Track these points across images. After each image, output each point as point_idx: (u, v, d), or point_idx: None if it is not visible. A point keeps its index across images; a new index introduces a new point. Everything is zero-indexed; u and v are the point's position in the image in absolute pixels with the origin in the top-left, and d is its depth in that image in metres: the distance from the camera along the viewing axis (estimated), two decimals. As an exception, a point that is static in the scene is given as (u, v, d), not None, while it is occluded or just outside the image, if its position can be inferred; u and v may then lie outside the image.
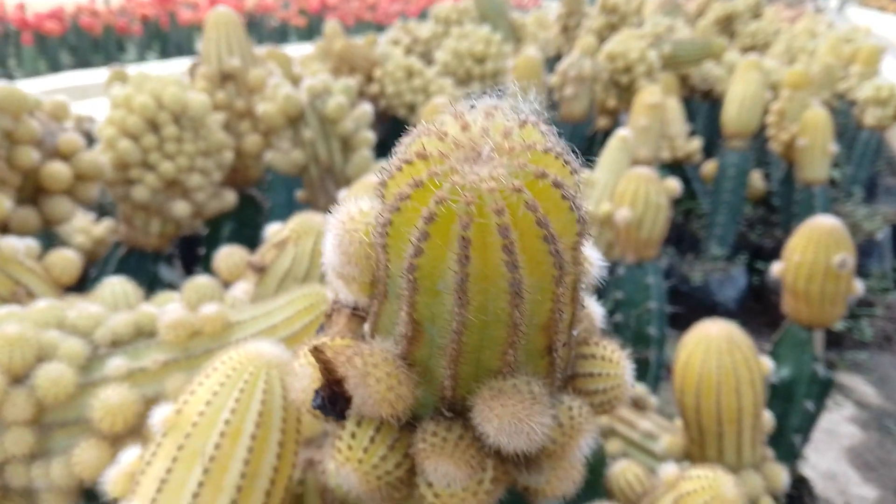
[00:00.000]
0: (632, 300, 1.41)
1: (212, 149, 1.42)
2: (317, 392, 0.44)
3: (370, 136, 1.53)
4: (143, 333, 0.76)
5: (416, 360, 0.41)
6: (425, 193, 0.31)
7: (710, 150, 2.44)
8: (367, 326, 0.45)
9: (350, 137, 1.51)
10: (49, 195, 1.19)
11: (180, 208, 1.37)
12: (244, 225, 1.67)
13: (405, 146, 0.34)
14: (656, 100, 1.90)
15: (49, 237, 1.88)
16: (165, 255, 1.88)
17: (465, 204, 0.30)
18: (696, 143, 2.26)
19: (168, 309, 0.76)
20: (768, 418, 1.01)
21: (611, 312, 1.46)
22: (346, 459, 0.46)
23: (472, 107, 0.33)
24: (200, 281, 0.81)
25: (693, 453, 1.02)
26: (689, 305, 2.01)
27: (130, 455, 0.57)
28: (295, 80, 1.90)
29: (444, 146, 0.32)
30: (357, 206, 0.39)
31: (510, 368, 0.40)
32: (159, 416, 0.54)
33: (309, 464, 0.70)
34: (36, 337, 0.71)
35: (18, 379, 0.69)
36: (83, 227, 1.86)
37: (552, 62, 2.86)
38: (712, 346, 0.94)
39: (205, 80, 1.54)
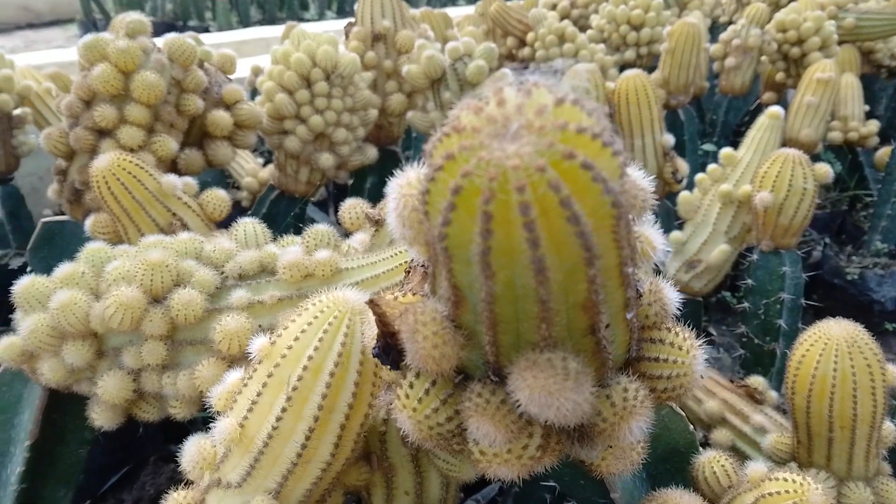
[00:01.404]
0: (763, 289, 1.33)
1: (357, 106, 1.50)
2: (377, 341, 0.48)
3: (507, 100, 1.54)
4: (266, 271, 0.85)
5: (463, 323, 0.44)
6: (455, 166, 0.33)
7: (890, 135, 2.19)
8: (426, 286, 0.48)
9: (487, 101, 1.53)
10: (212, 140, 1.33)
11: (325, 159, 1.47)
12: (385, 179, 1.75)
13: (452, 117, 0.36)
14: (828, 76, 1.74)
15: (223, 178, 2.09)
16: (318, 201, 2.03)
17: (489, 179, 0.32)
18: (873, 126, 2.03)
19: (288, 251, 0.84)
20: (892, 431, 0.92)
21: (740, 299, 1.39)
22: (402, 407, 0.50)
23: (521, 82, 0.35)
24: (319, 228, 0.88)
25: (800, 456, 0.96)
26: (840, 301, 1.84)
27: (234, 376, 0.65)
28: (445, 40, 1.94)
29: (479, 120, 0.33)
30: (416, 171, 0.42)
31: (546, 343, 0.41)
32: (257, 345, 0.61)
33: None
34: (175, 264, 0.81)
35: (157, 299, 0.80)
36: (252, 170, 2.05)
37: (722, 29, 2.67)
38: (831, 346, 0.88)
39: (357, 40, 1.62)
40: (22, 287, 0.81)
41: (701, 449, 0.87)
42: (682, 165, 1.65)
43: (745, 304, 1.39)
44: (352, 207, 1.00)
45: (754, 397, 1.25)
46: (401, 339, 0.45)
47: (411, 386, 0.50)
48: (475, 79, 1.50)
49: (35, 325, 0.78)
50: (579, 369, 0.42)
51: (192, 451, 0.64)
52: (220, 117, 1.30)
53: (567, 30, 2.27)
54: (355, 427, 0.62)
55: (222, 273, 0.84)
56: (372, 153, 1.59)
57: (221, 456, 0.63)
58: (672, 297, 0.54)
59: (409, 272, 0.54)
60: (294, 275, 0.81)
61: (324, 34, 1.47)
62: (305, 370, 0.58)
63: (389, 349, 0.47)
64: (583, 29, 2.47)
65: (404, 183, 0.42)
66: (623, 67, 2.52)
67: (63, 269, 0.81)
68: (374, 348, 0.48)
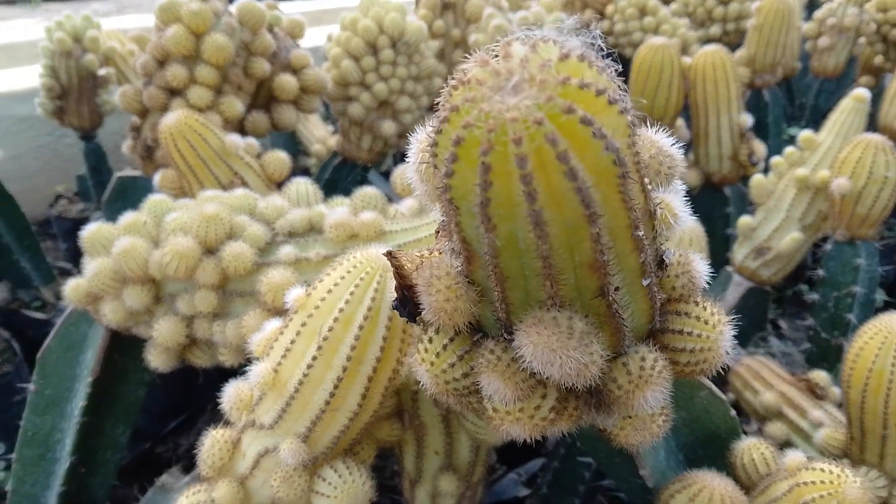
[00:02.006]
0: (834, 280, 1.26)
1: (422, 74, 1.51)
2: (395, 293, 0.49)
3: (575, 73, 1.51)
4: (314, 229, 0.87)
5: (476, 279, 0.44)
6: (459, 118, 0.33)
7: None
8: (445, 243, 0.48)
9: (554, 73, 1.50)
10: (278, 103, 1.36)
11: (387, 127, 1.49)
12: (447, 150, 1.75)
13: (462, 70, 0.36)
14: (928, 57, 1.62)
15: (294, 144, 2.14)
16: (384, 170, 2.05)
17: (488, 131, 0.32)
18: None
19: (335, 211, 0.86)
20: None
21: (809, 288, 1.33)
22: (421, 360, 0.51)
23: (529, 37, 0.34)
24: (368, 191, 0.90)
25: (852, 452, 0.92)
26: (924, 301, 1.73)
27: (273, 325, 0.68)
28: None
29: (484, 73, 0.33)
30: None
31: (553, 302, 0.41)
32: (293, 295, 0.64)
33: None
34: (229, 218, 0.85)
35: (211, 251, 0.84)
36: (321, 137, 2.10)
37: (818, 7, 2.52)
38: (891, 341, 0.83)
39: (426, 8, 1.62)
40: (89, 233, 0.86)
41: (743, 435, 0.85)
42: (760, 148, 1.58)
43: (815, 296, 1.33)
44: (402, 173, 1.01)
45: (815, 392, 1.20)
46: (417, 292, 0.46)
47: (430, 341, 0.51)
48: (543, 50, 1.47)
49: (99, 269, 0.84)
50: (585, 329, 0.41)
51: (232, 393, 0.67)
52: (287, 81, 1.33)
53: (649, 3, 2.20)
54: (383, 381, 0.64)
55: (273, 229, 0.87)
56: (436, 123, 1.59)
57: (257, 399, 0.66)
58: (702, 271, 0.52)
59: (437, 232, 0.55)
60: (339, 234, 0.83)
61: (393, 2, 1.48)
62: (336, 321, 0.60)
63: (406, 302, 0.48)
64: (667, 2, 2.39)
65: (422, 138, 0.42)
66: (709, 43, 2.42)
67: (127, 218, 0.86)
68: (393, 301, 0.49)
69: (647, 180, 0.41)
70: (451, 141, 0.33)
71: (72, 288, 0.87)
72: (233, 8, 1.25)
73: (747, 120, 1.56)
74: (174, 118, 1.04)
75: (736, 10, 2.16)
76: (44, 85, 1.82)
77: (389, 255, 0.48)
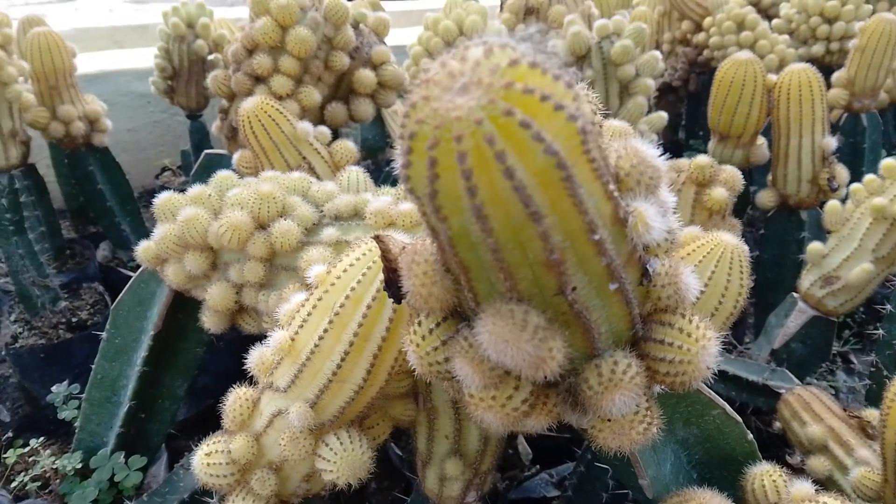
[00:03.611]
0: (904, 317, 1.20)
1: (498, 76, 1.54)
2: (383, 275, 0.53)
3: (650, 84, 1.50)
4: (357, 214, 0.93)
5: (450, 267, 0.47)
6: (415, 113, 0.37)
7: None
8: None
9: (630, 82, 1.50)
10: (356, 96, 1.44)
11: (458, 125, 1.53)
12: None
13: (425, 70, 0.39)
14: None
15: (384, 137, 2.22)
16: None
17: (434, 127, 0.35)
18: None
19: (378, 199, 0.91)
20: None
21: (875, 322, 1.27)
22: (410, 341, 0.55)
23: (486, 42, 0.37)
24: (413, 183, 0.94)
25: (886, 496, 0.88)
26: None
27: (298, 297, 0.73)
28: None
29: (441, 73, 0.37)
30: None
31: (512, 295, 0.44)
32: (314, 271, 0.69)
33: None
34: (282, 198, 0.91)
35: (262, 226, 0.91)
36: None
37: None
38: (934, 383, 0.79)
39: (510, 12, 1.65)
40: (161, 201, 0.95)
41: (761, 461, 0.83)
42: (842, 173, 1.51)
43: (880, 332, 1.27)
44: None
45: (866, 430, 1.15)
46: (400, 275, 0.50)
47: (419, 324, 0.54)
48: (620, 59, 1.47)
49: (165, 234, 0.92)
50: (540, 324, 0.44)
51: (256, 356, 0.73)
52: (365, 76, 1.39)
53: (748, 17, 2.14)
54: (388, 359, 0.68)
55: (321, 211, 0.93)
56: (508, 124, 1.62)
57: (276, 363, 0.72)
58: (691, 284, 0.53)
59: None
60: (378, 221, 0.88)
61: (476, 4, 1.52)
62: (347, 299, 0.65)
63: (391, 284, 0.52)
64: (770, 18, 2.30)
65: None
66: (810, 63, 2.31)
67: (194, 190, 0.95)
68: (381, 281, 0.53)
69: (612, 187, 0.43)
70: (407, 135, 0.37)
71: (143, 249, 0.97)
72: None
73: (831, 143, 1.49)
74: (252, 103, 1.12)
75: (841, 30, 2.06)
76: (157, 65, 1.99)
77: (377, 238, 0.52)
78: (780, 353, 1.44)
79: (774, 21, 2.25)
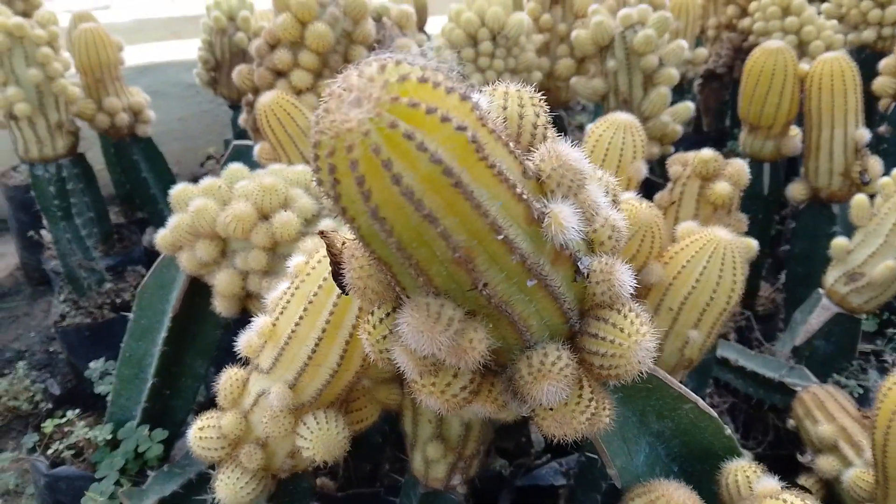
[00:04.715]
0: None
1: (520, 67, 1.55)
2: (329, 267, 0.57)
3: (674, 74, 1.48)
4: (356, 207, 0.97)
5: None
6: (318, 124, 0.40)
7: None
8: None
9: (653, 73, 1.48)
10: (378, 88, 1.47)
11: (479, 116, 1.55)
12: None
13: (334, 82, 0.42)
14: None
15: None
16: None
17: (331, 137, 0.38)
18: None
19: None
20: None
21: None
22: (363, 329, 0.59)
23: (381, 58, 0.40)
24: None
25: (878, 497, 0.86)
26: None
27: (283, 286, 0.78)
28: (654, 7, 1.89)
29: (342, 87, 0.40)
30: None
31: (429, 290, 0.47)
32: (294, 262, 0.73)
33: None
34: (285, 190, 0.96)
35: (265, 216, 0.96)
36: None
37: None
38: (921, 385, 0.78)
39: (535, 2, 1.65)
40: (176, 191, 1.01)
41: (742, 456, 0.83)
42: (875, 165, 1.46)
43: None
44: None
45: (879, 431, 1.12)
46: (343, 268, 0.53)
47: (372, 314, 0.58)
48: (642, 49, 1.46)
49: (178, 223, 0.99)
50: (455, 317, 0.47)
51: (244, 339, 0.78)
52: (387, 68, 1.43)
53: (793, 2, 2.06)
54: (360, 345, 0.72)
55: (321, 203, 0.98)
56: (530, 115, 1.63)
57: (260, 346, 0.77)
58: (624, 280, 0.55)
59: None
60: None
61: (499, -5, 1.53)
62: (320, 289, 0.69)
63: (337, 276, 0.56)
64: (822, 0, 2.22)
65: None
66: (861, 49, 2.22)
67: (206, 182, 1.00)
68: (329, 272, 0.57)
69: (520, 189, 0.45)
70: (312, 143, 0.40)
71: (161, 237, 1.03)
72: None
73: (864, 135, 1.45)
74: (269, 97, 1.17)
75: (894, 14, 1.97)
76: (200, 57, 2.07)
77: (321, 233, 0.55)
78: (802, 350, 1.41)
79: (825, 5, 2.17)
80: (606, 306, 0.56)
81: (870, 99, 1.73)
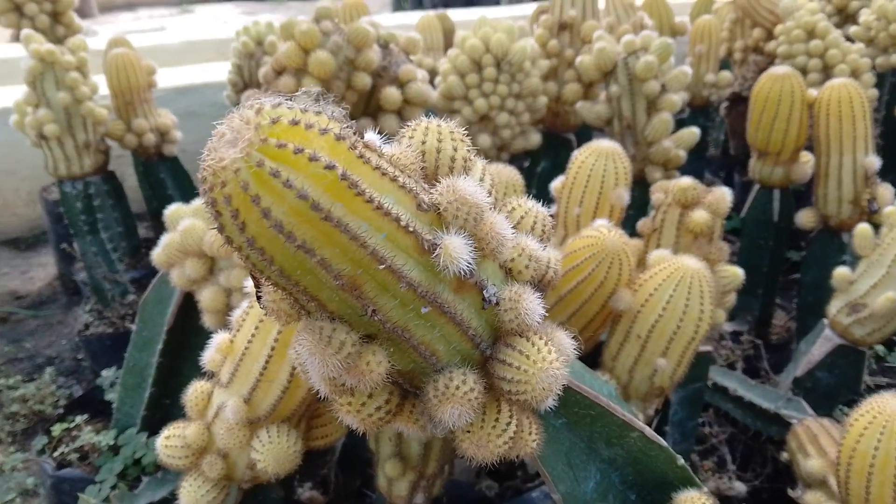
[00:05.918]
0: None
1: (525, 92, 1.58)
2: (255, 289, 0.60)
3: (676, 100, 1.48)
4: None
5: (291, 286, 0.54)
6: (205, 160, 0.44)
7: None
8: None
9: (656, 98, 1.49)
10: (383, 112, 1.52)
11: (482, 140, 1.58)
12: (556, 165, 1.80)
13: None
14: None
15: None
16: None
17: (210, 174, 0.42)
18: None
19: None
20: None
21: None
22: (294, 352, 0.62)
23: (258, 102, 0.43)
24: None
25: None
26: None
27: (245, 304, 0.82)
28: (674, 32, 1.89)
29: (226, 127, 0.43)
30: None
31: (324, 314, 0.50)
32: (249, 283, 0.77)
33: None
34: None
35: (247, 237, 1.00)
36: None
37: None
38: (879, 421, 0.77)
39: (543, 28, 1.68)
40: (170, 211, 1.07)
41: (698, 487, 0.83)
42: (885, 194, 1.42)
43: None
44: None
45: (868, 468, 1.09)
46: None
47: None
48: (644, 75, 1.46)
49: (169, 241, 1.04)
50: (348, 340, 0.49)
51: (208, 354, 0.83)
52: (391, 93, 1.47)
53: (818, 25, 2.03)
54: (309, 365, 0.75)
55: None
56: (534, 139, 1.65)
57: (221, 361, 0.81)
58: (532, 309, 0.56)
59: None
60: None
61: (503, 23, 1.56)
62: (270, 309, 0.72)
63: (258, 296, 0.59)
64: (854, 22, 2.18)
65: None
66: (891, 72, 2.16)
67: (197, 202, 1.06)
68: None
69: (405, 222, 0.47)
70: (199, 178, 0.44)
71: (155, 254, 1.09)
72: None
73: (874, 162, 1.41)
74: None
75: (922, 37, 1.91)
76: (229, 80, 2.16)
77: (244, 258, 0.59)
78: (803, 382, 1.38)
79: (853, 28, 2.13)
80: (516, 333, 0.58)
81: None
